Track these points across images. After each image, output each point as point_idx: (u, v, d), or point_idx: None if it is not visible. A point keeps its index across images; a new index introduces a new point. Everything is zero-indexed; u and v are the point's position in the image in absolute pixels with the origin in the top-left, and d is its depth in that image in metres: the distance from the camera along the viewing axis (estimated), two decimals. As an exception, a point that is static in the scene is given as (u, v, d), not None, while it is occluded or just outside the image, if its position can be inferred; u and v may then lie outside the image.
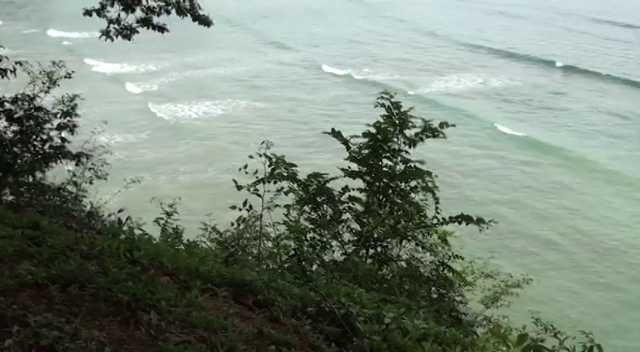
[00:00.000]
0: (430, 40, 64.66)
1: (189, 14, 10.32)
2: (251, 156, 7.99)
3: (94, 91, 38.20)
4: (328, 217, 10.20)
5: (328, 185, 10.28)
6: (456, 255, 10.36)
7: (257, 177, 8.21)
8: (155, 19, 10.06)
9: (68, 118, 10.30)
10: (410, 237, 9.89)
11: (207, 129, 38.45)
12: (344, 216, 10.32)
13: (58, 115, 10.26)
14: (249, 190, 8.01)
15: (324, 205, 10.28)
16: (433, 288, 9.89)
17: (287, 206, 9.08)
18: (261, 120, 40.47)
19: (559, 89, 48.99)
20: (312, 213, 10.26)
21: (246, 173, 7.77)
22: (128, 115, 39.56)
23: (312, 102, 44.75)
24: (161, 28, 10.06)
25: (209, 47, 57.65)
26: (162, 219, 8.96)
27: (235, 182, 8.06)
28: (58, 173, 10.33)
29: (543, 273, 22.93)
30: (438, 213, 9.94)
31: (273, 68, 53.55)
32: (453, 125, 10.44)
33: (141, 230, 7.97)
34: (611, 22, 75.46)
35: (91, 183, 10.09)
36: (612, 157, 35.46)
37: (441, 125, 10.23)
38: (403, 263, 9.92)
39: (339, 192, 10.26)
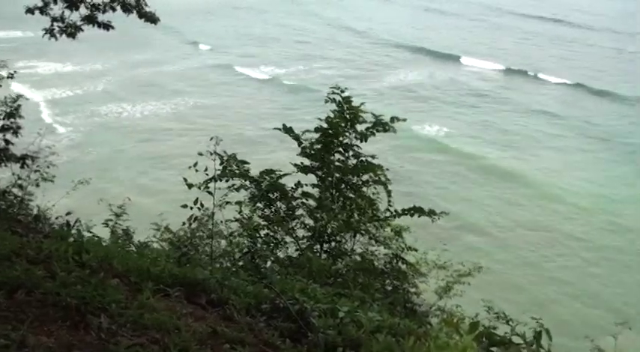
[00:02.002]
0: (349, 36, 64.99)
1: (134, 11, 10.15)
2: (200, 154, 7.91)
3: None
4: (282, 213, 10.18)
5: (281, 181, 10.26)
6: (409, 247, 10.49)
7: (207, 175, 8.13)
8: (100, 17, 9.85)
9: (12, 120, 10.01)
10: (363, 231, 9.96)
11: (155, 128, 37.78)
12: (298, 212, 10.32)
13: (1, 117, 9.96)
14: (199, 188, 7.94)
15: (278, 202, 10.26)
16: (387, 281, 10.00)
17: (238, 203, 9.02)
18: (210, 117, 40.00)
19: (464, 84, 49.74)
20: (266, 210, 10.23)
21: (197, 171, 7.68)
22: (74, 116, 38.61)
23: (256, 100, 44.48)
24: (106, 26, 9.85)
25: (157, 46, 56.64)
26: (111, 220, 8.79)
27: (185, 180, 7.97)
28: (2, 176, 10.02)
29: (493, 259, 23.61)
30: (391, 206, 10.03)
31: (210, 67, 53.07)
32: (404, 119, 10.54)
33: (90, 232, 7.81)
34: (526, 15, 77.92)
35: (37, 185, 9.81)
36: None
37: (392, 119, 10.32)
38: (357, 257, 9.98)
39: (292, 188, 10.25)
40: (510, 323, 7.69)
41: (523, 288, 22.24)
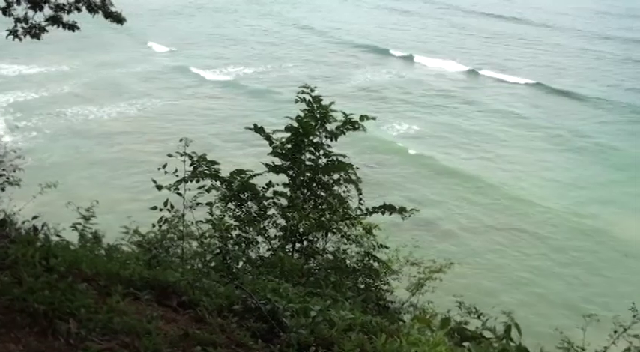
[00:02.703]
0: (314, 37, 64.82)
1: (100, 11, 10.02)
2: (170, 155, 7.86)
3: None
4: (253, 214, 10.15)
5: (253, 181, 10.22)
6: (381, 245, 10.55)
7: (177, 176, 8.08)
8: (65, 18, 9.70)
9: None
10: (335, 230, 9.98)
11: (122, 130, 37.27)
12: (269, 212, 10.30)
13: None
14: (169, 190, 7.88)
15: (249, 202, 10.23)
16: (360, 279, 10.04)
17: (209, 204, 8.97)
18: (180, 118, 39.67)
19: (427, 84, 50.03)
20: (237, 210, 10.19)
21: (166, 172, 7.62)
22: (38, 119, 37.97)
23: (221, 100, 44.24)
24: (72, 27, 9.70)
25: (121, 47, 55.84)
26: (79, 224, 8.65)
27: (155, 182, 7.90)
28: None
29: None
30: (362, 204, 10.07)
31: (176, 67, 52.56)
32: (374, 118, 10.58)
33: (58, 236, 7.68)
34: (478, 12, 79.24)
35: (2, 190, 9.62)
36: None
37: (362, 118, 10.36)
38: (329, 255, 10.00)
39: (263, 187, 10.23)
40: (482, 318, 7.76)
41: (490, 289, 22.57)
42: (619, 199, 30.81)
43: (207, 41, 61.73)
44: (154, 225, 7.77)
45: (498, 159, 35.81)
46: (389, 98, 45.87)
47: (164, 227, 8.85)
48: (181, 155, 8.44)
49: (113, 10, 10.18)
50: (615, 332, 6.81)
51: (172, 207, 7.57)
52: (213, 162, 9.81)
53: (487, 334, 6.92)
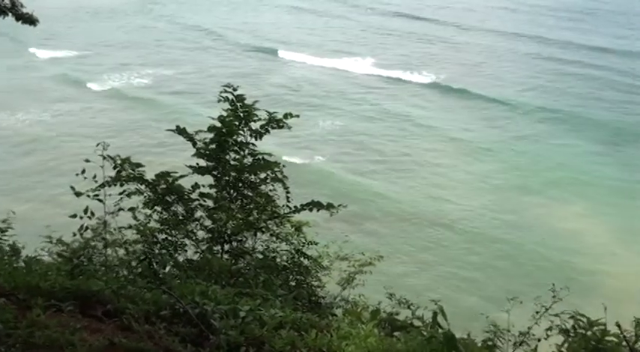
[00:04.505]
0: (209, 40, 62.91)
1: (10, 13, 9.66)
2: (87, 160, 7.60)
3: None
4: (180, 216, 9.98)
5: (180, 184, 10.03)
6: (310, 242, 10.58)
7: (96, 181, 7.84)
8: None
9: None
10: (264, 229, 9.94)
11: (37, 137, 35.95)
12: (197, 214, 10.14)
13: None
14: (89, 196, 7.64)
15: (175, 204, 10.04)
16: (291, 276, 10.04)
17: (131, 209, 8.76)
18: (100, 122, 38.55)
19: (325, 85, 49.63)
20: (164, 213, 9.98)
21: (85, 178, 7.39)
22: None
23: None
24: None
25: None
26: (-6, 237, 8.29)
27: (73, 188, 7.64)
28: None
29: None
30: (289, 202, 10.06)
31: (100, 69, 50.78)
32: (297, 116, 10.57)
33: (-27, 251, 7.34)
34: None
35: None
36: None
37: (285, 116, 10.33)
38: (259, 255, 9.95)
39: (189, 189, 10.06)
40: (411, 307, 7.92)
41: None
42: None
43: (99, 46, 58.79)
44: (74, 234, 7.51)
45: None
46: (287, 100, 44.37)
47: (88, 235, 8.60)
48: (104, 158, 8.19)
49: (25, 11, 9.85)
50: (537, 312, 7.09)
51: (93, 214, 7.34)
52: (138, 165, 9.57)
53: (416, 323, 7.08)
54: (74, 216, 7.27)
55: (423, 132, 40.20)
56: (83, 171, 7.31)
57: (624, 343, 5.47)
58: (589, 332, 5.76)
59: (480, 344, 6.15)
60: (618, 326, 5.63)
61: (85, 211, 7.26)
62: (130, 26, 67.24)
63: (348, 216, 24.45)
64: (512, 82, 52.05)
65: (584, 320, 5.92)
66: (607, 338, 5.54)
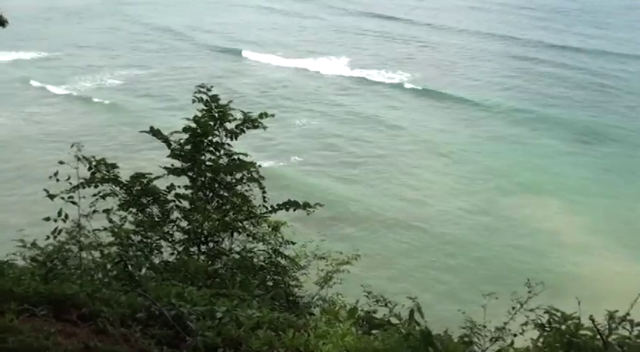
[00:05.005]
0: (179, 42, 62.86)
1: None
2: (61, 162, 7.51)
3: None
4: (156, 218, 9.89)
5: (156, 185, 9.95)
6: (287, 241, 10.57)
7: (70, 183, 7.73)
8: None
9: None
10: (240, 229, 9.90)
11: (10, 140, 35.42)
12: (173, 215, 10.07)
13: None
14: (63, 199, 7.54)
15: (151, 206, 9.96)
16: (268, 276, 10.01)
17: (106, 211, 8.67)
18: (72, 124, 38.06)
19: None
20: (139, 215, 9.89)
21: (58, 180, 7.29)
22: None
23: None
24: None
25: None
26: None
27: (47, 191, 7.53)
28: None
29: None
30: (266, 202, 10.04)
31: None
32: (272, 115, 10.56)
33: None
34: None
35: None
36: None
37: (261, 115, 10.30)
38: (236, 255, 9.91)
39: (165, 190, 9.98)
40: (389, 305, 7.94)
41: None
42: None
43: (69, 47, 58.33)
44: (48, 237, 7.41)
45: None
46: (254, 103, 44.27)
47: (62, 238, 8.49)
48: (79, 159, 8.09)
49: (-7, 12, 9.72)
50: (513, 308, 7.15)
51: (67, 216, 7.24)
52: (113, 166, 9.47)
53: (394, 320, 7.10)
54: (48, 218, 7.17)
55: (397, 132, 40.41)
56: (56, 174, 7.22)
57: (598, 336, 5.55)
58: (563, 327, 5.82)
59: (456, 340, 6.18)
60: (592, 320, 5.70)
61: (59, 214, 7.17)
62: (99, 27, 66.64)
63: (323, 219, 24.48)
64: (487, 81, 52.53)
65: (559, 314, 5.99)
66: (581, 331, 5.61)
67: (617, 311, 5.58)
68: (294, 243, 10.77)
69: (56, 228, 7.37)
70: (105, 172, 9.32)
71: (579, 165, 35.80)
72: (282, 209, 9.95)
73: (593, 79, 53.54)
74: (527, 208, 30.26)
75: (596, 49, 63.22)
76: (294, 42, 64.47)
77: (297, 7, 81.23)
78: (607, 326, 5.62)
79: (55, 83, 47.10)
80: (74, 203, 7.25)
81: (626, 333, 5.46)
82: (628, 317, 5.57)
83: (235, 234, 9.98)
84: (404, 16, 77.45)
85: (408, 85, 50.56)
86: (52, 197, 7.59)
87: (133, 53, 57.63)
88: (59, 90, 46.00)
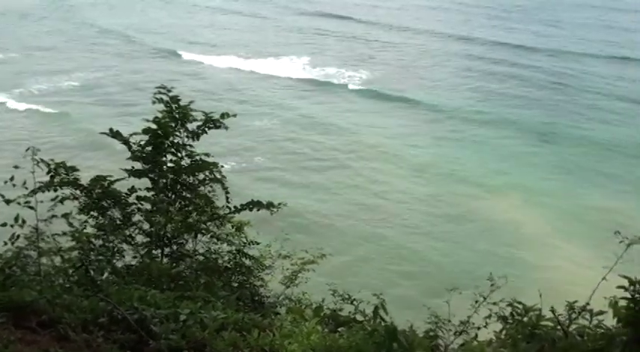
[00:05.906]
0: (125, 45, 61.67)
1: None
2: (16, 167, 7.33)
3: None
4: (117, 221, 9.75)
5: (117, 188, 9.80)
6: (251, 241, 10.53)
7: (26, 188, 7.56)
8: None
9: None
10: (204, 231, 9.82)
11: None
12: (134, 218, 9.94)
13: None
14: (19, 204, 7.37)
15: (112, 209, 9.81)
16: (233, 277, 9.97)
17: (65, 215, 8.50)
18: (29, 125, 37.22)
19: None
20: (100, 219, 9.73)
21: (14, 185, 7.12)
22: None
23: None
24: None
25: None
26: None
27: (3, 196, 7.34)
28: None
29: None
30: (229, 203, 9.98)
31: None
32: (234, 115, 10.50)
33: None
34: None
35: None
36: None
37: (222, 116, 10.24)
38: (200, 257, 9.84)
39: (126, 193, 9.85)
40: (354, 302, 7.98)
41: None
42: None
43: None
44: (5, 243, 7.23)
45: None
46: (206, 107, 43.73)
47: (21, 244, 8.29)
48: (37, 162, 7.90)
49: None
50: (477, 301, 7.25)
51: (24, 221, 7.07)
52: (73, 168, 9.30)
53: (360, 317, 7.14)
54: (4, 224, 6.98)
55: (358, 130, 40.57)
56: (12, 178, 7.04)
57: (559, 327, 5.66)
58: (525, 319, 5.92)
59: (422, 335, 6.24)
60: (552, 311, 5.81)
61: (16, 219, 6.99)
62: (40, 29, 65.14)
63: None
64: (447, 82, 53.13)
65: (521, 307, 6.08)
66: (542, 322, 5.71)
67: (576, 301, 5.70)
68: (258, 243, 10.75)
69: (13, 234, 7.18)
70: (64, 175, 9.15)
71: (540, 165, 36.39)
72: (245, 209, 9.91)
73: (549, 78, 54.55)
74: (489, 208, 30.67)
75: (550, 48, 64.61)
76: (254, 43, 64.17)
77: (252, 8, 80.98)
78: (567, 317, 5.74)
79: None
80: (31, 208, 7.08)
81: (586, 323, 5.57)
82: (587, 307, 5.69)
83: (199, 235, 9.90)
84: (364, 17, 77.79)
85: (367, 86, 50.72)
86: (7, 202, 7.40)
87: (80, 56, 56.46)
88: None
